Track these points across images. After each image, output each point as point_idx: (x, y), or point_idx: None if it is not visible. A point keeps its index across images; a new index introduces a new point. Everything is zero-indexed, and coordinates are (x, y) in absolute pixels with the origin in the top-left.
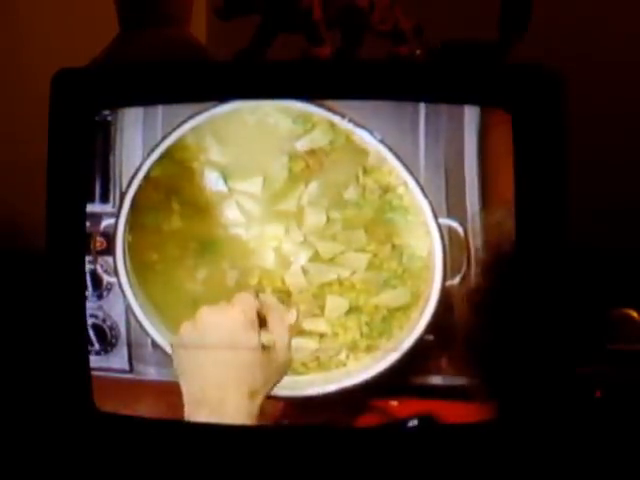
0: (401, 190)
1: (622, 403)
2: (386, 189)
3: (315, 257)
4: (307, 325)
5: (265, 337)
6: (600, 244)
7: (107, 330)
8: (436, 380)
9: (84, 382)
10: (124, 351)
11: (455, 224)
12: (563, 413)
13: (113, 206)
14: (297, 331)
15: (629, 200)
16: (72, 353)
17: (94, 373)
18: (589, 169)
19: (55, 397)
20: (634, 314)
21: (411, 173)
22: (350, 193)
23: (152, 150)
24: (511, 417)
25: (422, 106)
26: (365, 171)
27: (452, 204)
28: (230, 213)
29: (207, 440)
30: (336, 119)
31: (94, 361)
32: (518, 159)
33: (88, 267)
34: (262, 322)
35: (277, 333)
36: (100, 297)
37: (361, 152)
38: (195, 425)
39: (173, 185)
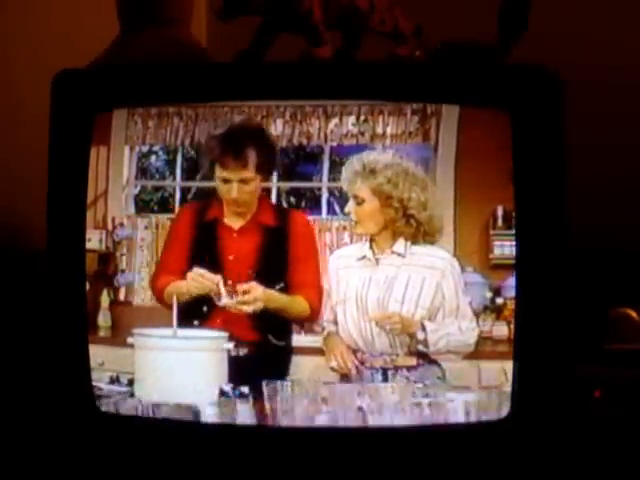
0: None
1: (621, 403)
2: None
3: None
4: None
5: None
6: (599, 245)
7: None
8: None
9: (84, 382)
10: None
11: None
12: (562, 412)
13: None
14: None
15: (628, 201)
16: (73, 352)
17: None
18: (588, 170)
19: (56, 396)
20: (633, 314)
21: None
22: None
23: None
24: (511, 416)
25: None
26: None
27: None
28: None
29: (209, 440)
30: None
31: None
32: (517, 158)
33: None
34: None
35: None
36: None
37: None
38: (197, 425)
39: None
